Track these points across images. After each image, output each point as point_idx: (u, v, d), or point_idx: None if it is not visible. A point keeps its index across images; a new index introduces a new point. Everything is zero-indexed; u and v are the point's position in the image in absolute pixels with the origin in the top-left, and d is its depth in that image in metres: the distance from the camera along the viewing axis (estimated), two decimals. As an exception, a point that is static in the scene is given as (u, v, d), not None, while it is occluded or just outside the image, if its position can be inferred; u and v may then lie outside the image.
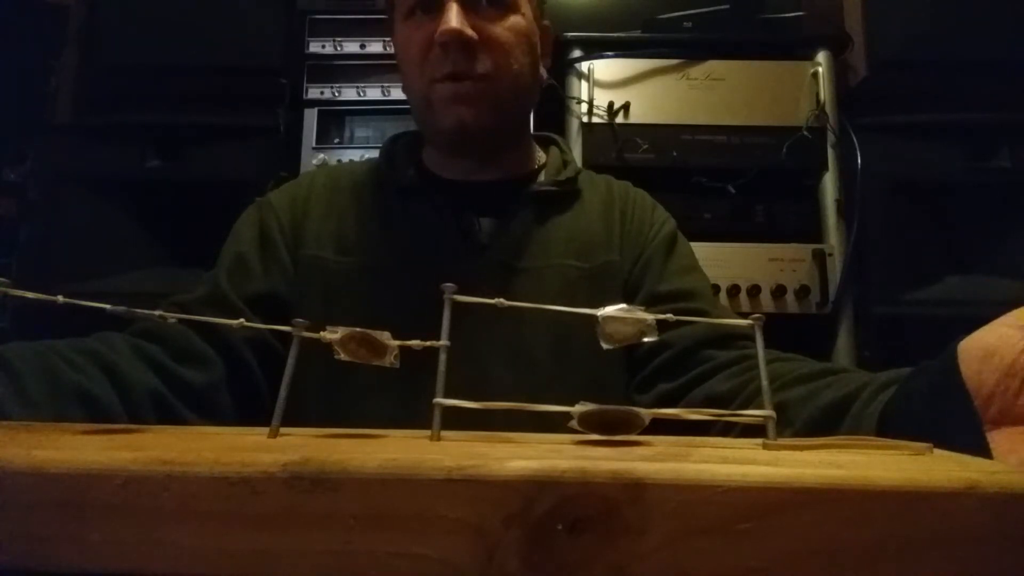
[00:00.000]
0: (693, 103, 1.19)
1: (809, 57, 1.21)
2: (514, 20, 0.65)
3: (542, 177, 0.72)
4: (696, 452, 0.27)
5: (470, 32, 0.61)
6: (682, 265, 0.68)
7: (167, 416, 0.52)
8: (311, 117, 1.27)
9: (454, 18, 0.60)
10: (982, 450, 0.32)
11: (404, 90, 0.71)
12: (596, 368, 0.61)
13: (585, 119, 1.18)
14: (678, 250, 0.69)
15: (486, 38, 0.62)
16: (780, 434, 0.45)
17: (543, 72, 0.73)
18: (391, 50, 1.24)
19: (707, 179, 1.16)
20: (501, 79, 0.64)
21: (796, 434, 0.45)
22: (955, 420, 0.33)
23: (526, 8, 0.67)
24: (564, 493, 0.21)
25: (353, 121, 1.30)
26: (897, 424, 0.38)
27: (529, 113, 0.74)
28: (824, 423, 0.44)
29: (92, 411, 0.46)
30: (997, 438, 0.32)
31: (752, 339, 0.33)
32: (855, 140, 1.16)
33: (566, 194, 0.70)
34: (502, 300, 0.32)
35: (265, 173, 1.15)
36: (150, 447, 0.25)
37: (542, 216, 0.68)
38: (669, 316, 0.34)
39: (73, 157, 1.20)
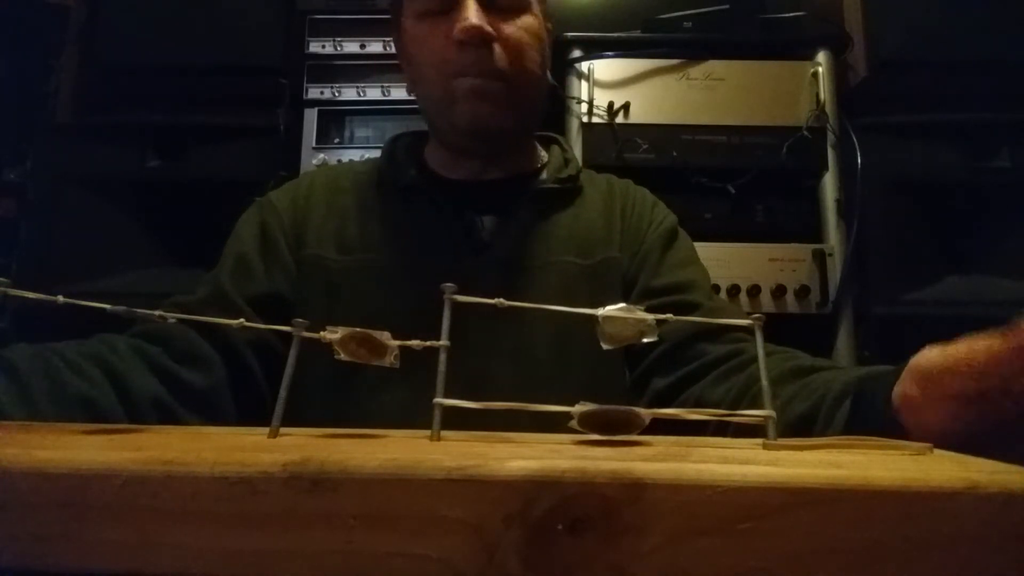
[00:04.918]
0: (693, 103, 1.19)
1: (809, 57, 1.21)
2: (528, 20, 0.65)
3: (544, 175, 0.72)
4: (696, 452, 0.27)
5: (489, 28, 0.61)
6: (680, 259, 0.68)
7: (168, 418, 0.53)
8: (311, 117, 1.27)
9: (473, 15, 0.60)
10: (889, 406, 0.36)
11: (415, 88, 0.70)
12: (597, 366, 0.61)
13: (585, 119, 1.18)
14: (677, 244, 0.70)
15: (502, 36, 0.63)
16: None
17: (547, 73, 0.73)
18: (391, 50, 1.26)
19: (707, 179, 1.16)
20: (518, 78, 0.64)
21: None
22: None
23: (537, 8, 0.67)
24: (564, 493, 0.21)
25: (353, 121, 1.29)
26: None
27: (539, 115, 0.73)
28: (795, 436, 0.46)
29: (93, 415, 0.47)
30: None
31: (745, 331, 0.33)
32: (855, 140, 1.16)
33: (568, 192, 0.70)
34: (502, 300, 0.32)
35: (265, 173, 1.15)
36: (150, 447, 0.25)
37: (544, 214, 0.68)
38: (669, 316, 0.34)
39: (73, 157, 1.20)
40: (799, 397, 0.47)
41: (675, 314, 0.35)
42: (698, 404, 0.57)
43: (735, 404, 0.53)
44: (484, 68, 0.62)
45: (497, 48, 0.62)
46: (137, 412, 0.50)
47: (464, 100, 0.63)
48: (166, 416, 0.53)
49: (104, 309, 0.32)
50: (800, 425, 0.45)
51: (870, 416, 0.39)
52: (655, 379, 0.61)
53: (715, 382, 0.56)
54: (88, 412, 0.46)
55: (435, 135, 0.72)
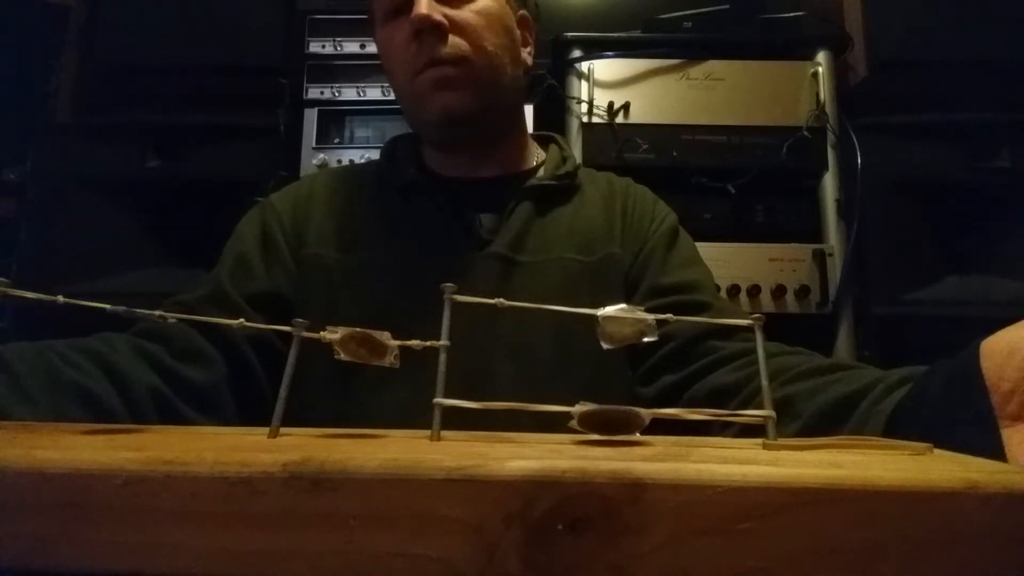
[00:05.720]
0: (693, 103, 1.19)
1: (809, 57, 1.21)
2: (482, 4, 0.66)
3: (541, 172, 0.72)
4: (696, 452, 0.27)
5: (438, 16, 0.62)
6: (684, 258, 0.69)
7: (168, 415, 0.52)
8: (311, 117, 1.27)
9: (423, 6, 0.62)
10: (995, 447, 0.31)
11: (394, 93, 0.72)
12: (598, 363, 0.61)
13: (585, 119, 1.18)
14: (680, 243, 0.70)
15: (455, 22, 0.64)
16: (787, 427, 0.45)
17: (527, 59, 0.73)
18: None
19: (707, 179, 1.16)
20: (476, 60, 0.65)
21: (803, 427, 0.45)
22: (968, 416, 0.33)
23: None
24: (564, 493, 0.21)
25: (353, 121, 1.30)
26: (907, 425, 0.38)
27: (518, 101, 0.74)
28: (832, 417, 0.44)
29: (93, 410, 0.47)
30: (1014, 436, 0.31)
31: (747, 331, 0.33)
32: (855, 140, 1.16)
33: (566, 188, 0.71)
34: (502, 300, 0.32)
35: (265, 173, 1.15)
36: (150, 447, 0.25)
37: (543, 210, 0.68)
38: (669, 316, 0.34)
39: (73, 157, 1.20)
40: (842, 381, 0.46)
41: (685, 313, 0.35)
42: (711, 391, 0.56)
43: (755, 388, 0.52)
44: (441, 56, 0.63)
45: (452, 36, 0.64)
46: (136, 407, 0.50)
47: (429, 93, 0.65)
48: (167, 412, 0.52)
49: (104, 309, 0.32)
50: (835, 408, 0.44)
51: (942, 388, 0.36)
52: (665, 376, 0.61)
53: (730, 372, 0.56)
54: (87, 407, 0.46)
55: (418, 135, 0.74)
